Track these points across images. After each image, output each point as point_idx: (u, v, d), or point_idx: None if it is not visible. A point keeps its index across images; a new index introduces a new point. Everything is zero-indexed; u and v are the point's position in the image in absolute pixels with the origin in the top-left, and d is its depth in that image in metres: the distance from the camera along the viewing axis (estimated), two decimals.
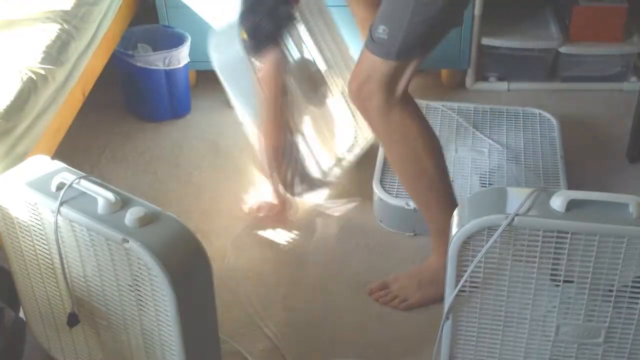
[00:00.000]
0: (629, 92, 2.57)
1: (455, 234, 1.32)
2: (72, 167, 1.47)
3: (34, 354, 1.70)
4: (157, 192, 2.21)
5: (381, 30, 1.60)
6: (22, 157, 1.64)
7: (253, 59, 1.93)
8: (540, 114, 2.37)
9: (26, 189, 1.41)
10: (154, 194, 2.20)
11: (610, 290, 1.33)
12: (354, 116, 2.24)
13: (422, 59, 1.67)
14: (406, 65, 1.64)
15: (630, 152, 2.32)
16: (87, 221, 1.34)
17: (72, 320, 1.50)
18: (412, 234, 2.06)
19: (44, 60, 1.85)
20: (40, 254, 1.49)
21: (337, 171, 2.20)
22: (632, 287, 1.32)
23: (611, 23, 2.59)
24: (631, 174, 2.27)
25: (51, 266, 1.48)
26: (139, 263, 1.31)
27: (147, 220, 1.33)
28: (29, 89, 1.76)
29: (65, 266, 1.44)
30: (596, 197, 1.29)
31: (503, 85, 2.68)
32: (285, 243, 2.06)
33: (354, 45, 2.21)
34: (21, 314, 1.66)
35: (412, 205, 1.99)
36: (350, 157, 2.25)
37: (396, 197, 2.04)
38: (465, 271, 1.34)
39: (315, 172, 2.12)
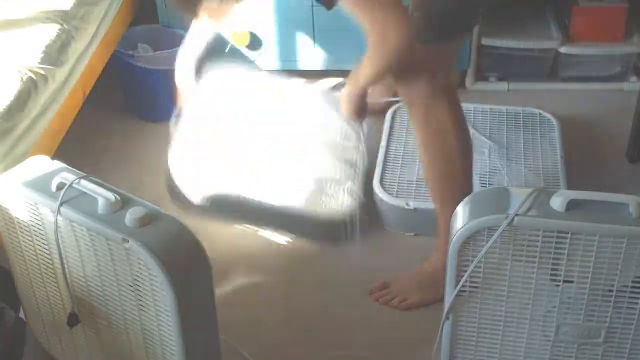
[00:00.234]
0: (629, 92, 2.57)
1: (455, 234, 1.32)
2: (72, 167, 1.47)
3: (34, 354, 1.70)
4: (157, 192, 2.21)
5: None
6: (22, 157, 1.64)
7: None
8: (540, 114, 2.37)
9: (26, 189, 1.41)
10: (154, 194, 2.20)
11: (610, 290, 1.32)
12: None
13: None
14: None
15: (630, 152, 2.32)
16: (87, 221, 1.34)
17: (72, 320, 1.50)
18: (412, 234, 2.06)
19: (44, 60, 1.85)
20: (40, 254, 1.49)
21: None
22: (632, 287, 1.31)
23: (611, 23, 2.59)
24: (631, 174, 2.27)
25: (51, 266, 1.48)
26: (139, 263, 1.31)
27: (147, 220, 1.33)
28: (29, 89, 1.76)
29: (66, 266, 1.44)
30: (596, 197, 1.29)
31: (503, 86, 2.68)
32: (285, 243, 2.06)
33: None
34: (21, 314, 1.66)
35: (412, 205, 1.99)
36: None
37: (396, 197, 2.04)
38: (466, 271, 1.34)
39: None
